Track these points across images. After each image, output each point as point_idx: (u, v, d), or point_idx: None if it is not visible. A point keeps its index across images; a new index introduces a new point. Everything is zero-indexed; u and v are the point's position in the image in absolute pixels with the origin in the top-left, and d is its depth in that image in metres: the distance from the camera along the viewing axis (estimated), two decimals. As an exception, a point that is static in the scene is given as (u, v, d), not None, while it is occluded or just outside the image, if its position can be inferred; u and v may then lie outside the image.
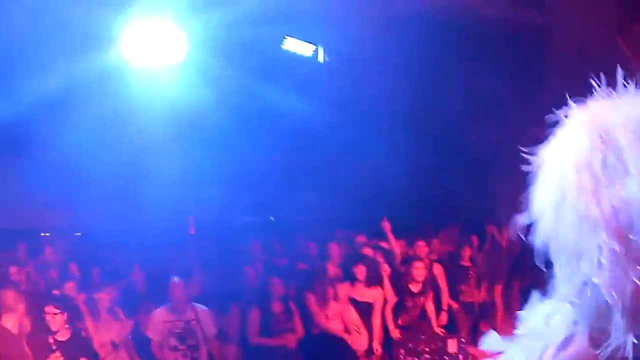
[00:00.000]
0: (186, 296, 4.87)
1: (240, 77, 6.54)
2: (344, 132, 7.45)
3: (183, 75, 6.05)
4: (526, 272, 7.03)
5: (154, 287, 5.47)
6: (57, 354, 4.05)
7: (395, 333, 5.79)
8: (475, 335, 5.97)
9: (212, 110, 6.43)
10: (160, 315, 4.80)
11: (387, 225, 6.17)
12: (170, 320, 4.78)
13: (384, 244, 6.28)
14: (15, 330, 3.87)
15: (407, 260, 6.08)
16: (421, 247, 6.19)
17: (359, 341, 5.58)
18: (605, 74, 0.97)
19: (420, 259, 5.94)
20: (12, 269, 5.52)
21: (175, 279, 4.83)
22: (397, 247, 6.32)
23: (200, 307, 4.99)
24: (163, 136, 6.26)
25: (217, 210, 7.47)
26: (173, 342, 4.77)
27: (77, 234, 7.73)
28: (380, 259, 6.00)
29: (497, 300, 7.15)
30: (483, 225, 7.35)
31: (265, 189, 8.02)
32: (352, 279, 5.67)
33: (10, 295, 3.94)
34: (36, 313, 4.33)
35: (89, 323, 4.79)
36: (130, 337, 5.03)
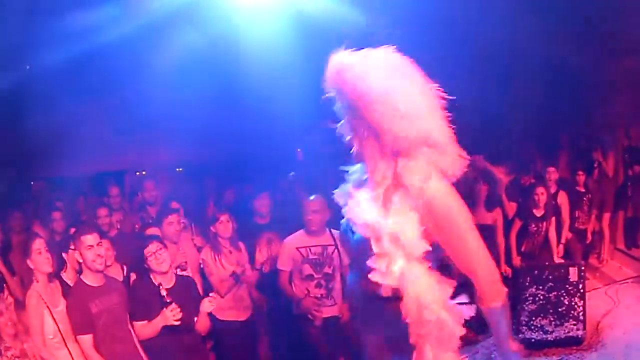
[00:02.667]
0: (323, 218, 4.44)
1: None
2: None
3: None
4: (628, 203, 6.93)
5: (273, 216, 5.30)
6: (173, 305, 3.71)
7: (517, 260, 5.82)
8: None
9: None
10: (293, 241, 4.51)
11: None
12: (305, 246, 4.46)
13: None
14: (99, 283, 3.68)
15: (531, 186, 6.06)
16: (551, 172, 6.18)
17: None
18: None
19: (544, 184, 5.91)
20: (101, 212, 5.33)
21: (312, 197, 4.42)
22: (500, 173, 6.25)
23: (337, 232, 4.31)
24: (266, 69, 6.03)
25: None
26: (307, 270, 4.47)
27: (179, 169, 7.76)
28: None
29: (604, 229, 6.97)
30: (589, 151, 7.15)
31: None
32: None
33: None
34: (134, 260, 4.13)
35: (208, 257, 4.68)
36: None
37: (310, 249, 4.48)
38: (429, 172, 1.96)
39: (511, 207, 6.21)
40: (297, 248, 4.48)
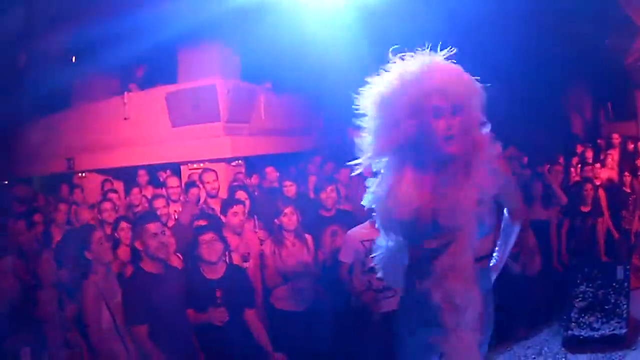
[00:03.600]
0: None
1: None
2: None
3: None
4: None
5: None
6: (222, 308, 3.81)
7: (566, 257, 5.98)
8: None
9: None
10: (357, 233, 4.50)
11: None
12: (369, 239, 4.08)
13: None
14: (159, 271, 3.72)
15: (578, 183, 6.33)
16: (596, 170, 6.64)
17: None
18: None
19: (591, 181, 6.21)
20: (158, 203, 5.47)
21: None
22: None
23: None
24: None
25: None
26: (370, 263, 4.53)
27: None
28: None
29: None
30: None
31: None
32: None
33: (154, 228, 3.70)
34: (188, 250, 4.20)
35: (268, 249, 4.74)
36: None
37: (374, 242, 4.53)
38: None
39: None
40: (362, 241, 4.46)
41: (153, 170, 7.70)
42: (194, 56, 8.13)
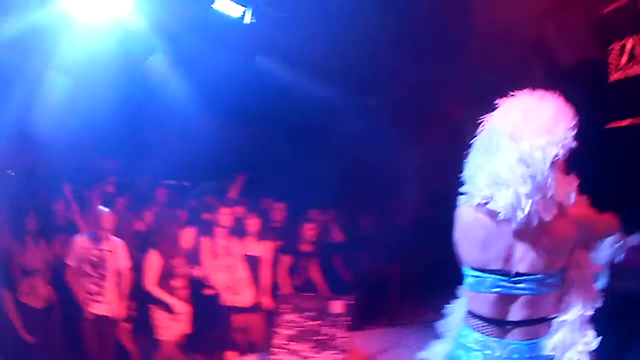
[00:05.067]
0: (109, 227, 5.51)
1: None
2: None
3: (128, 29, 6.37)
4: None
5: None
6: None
7: (284, 289, 6.44)
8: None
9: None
10: (80, 242, 5.47)
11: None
12: (88, 248, 5.45)
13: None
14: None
15: (299, 222, 6.81)
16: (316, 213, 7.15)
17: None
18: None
19: (312, 221, 6.74)
20: None
21: (103, 208, 5.52)
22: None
23: (117, 240, 5.66)
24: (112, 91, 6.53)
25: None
26: (87, 268, 5.44)
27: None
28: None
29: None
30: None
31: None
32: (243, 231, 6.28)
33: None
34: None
35: None
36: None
37: (91, 251, 5.52)
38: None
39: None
40: (83, 248, 5.54)
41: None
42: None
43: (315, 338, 5.78)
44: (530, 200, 2.26)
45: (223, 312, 6.15)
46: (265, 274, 6.42)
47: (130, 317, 5.79)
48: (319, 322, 5.80)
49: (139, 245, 5.87)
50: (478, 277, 2.46)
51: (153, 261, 5.64)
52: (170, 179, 7.83)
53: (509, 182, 2.27)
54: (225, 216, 6.26)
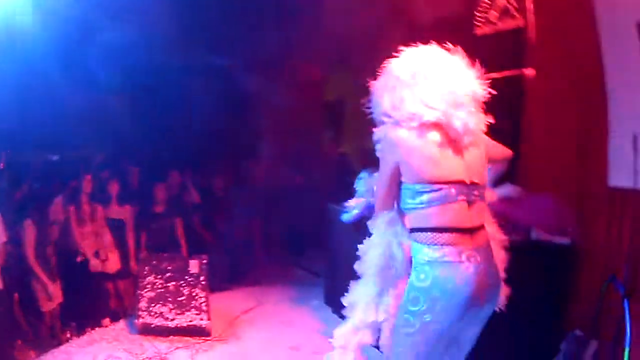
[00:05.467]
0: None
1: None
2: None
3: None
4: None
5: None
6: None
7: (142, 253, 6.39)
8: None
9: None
10: None
11: None
12: None
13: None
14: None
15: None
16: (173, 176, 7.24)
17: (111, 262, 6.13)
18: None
19: (162, 182, 6.88)
20: None
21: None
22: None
23: None
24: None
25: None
26: None
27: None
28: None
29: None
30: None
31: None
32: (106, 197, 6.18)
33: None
34: None
35: None
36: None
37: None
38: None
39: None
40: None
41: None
42: None
43: (176, 299, 5.76)
44: (474, 119, 2.68)
45: (94, 279, 6.06)
46: (129, 238, 6.42)
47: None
48: (177, 282, 5.82)
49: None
50: (440, 189, 2.59)
51: (29, 232, 5.44)
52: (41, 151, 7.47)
53: (462, 104, 2.65)
54: (87, 182, 6.21)
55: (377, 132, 2.74)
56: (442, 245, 2.58)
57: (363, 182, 5.16)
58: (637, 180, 3.86)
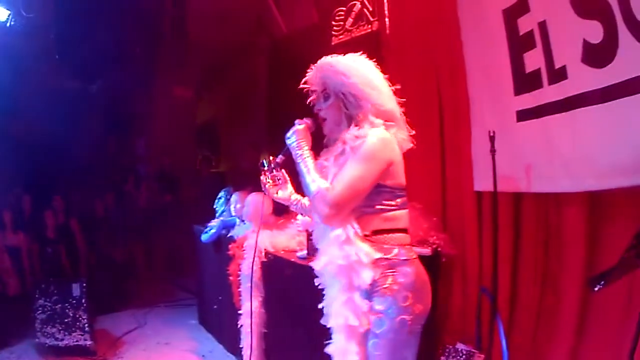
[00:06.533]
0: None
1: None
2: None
3: None
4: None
5: None
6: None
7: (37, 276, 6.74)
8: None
9: None
10: None
11: None
12: None
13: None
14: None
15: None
16: (56, 200, 7.54)
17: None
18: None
19: (52, 210, 7.24)
20: None
21: None
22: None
23: None
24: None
25: None
26: None
27: None
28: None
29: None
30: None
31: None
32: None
33: None
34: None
35: None
36: None
37: None
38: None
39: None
40: None
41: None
42: None
43: (63, 320, 6.05)
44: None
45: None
46: (25, 264, 6.76)
47: None
48: (62, 305, 6.10)
49: None
50: (403, 195, 2.69)
51: None
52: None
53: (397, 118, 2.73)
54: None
55: (360, 130, 2.62)
56: (410, 245, 2.69)
57: (222, 202, 5.74)
58: (497, 183, 3.72)
